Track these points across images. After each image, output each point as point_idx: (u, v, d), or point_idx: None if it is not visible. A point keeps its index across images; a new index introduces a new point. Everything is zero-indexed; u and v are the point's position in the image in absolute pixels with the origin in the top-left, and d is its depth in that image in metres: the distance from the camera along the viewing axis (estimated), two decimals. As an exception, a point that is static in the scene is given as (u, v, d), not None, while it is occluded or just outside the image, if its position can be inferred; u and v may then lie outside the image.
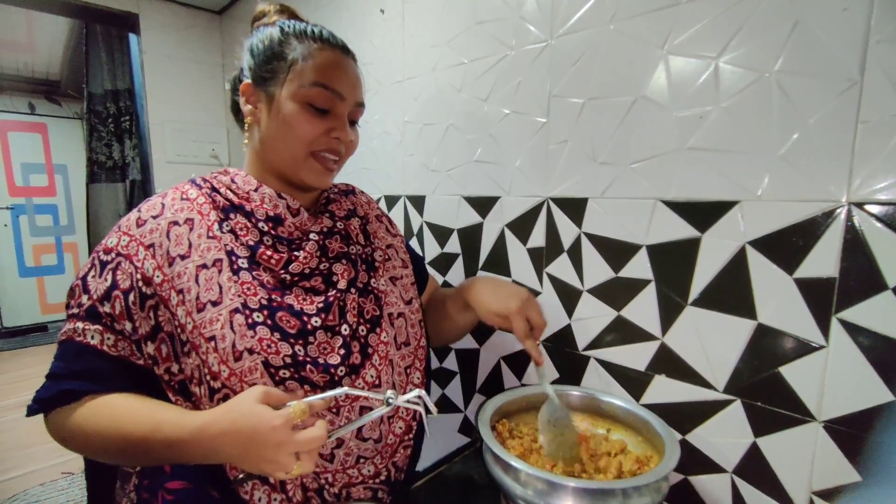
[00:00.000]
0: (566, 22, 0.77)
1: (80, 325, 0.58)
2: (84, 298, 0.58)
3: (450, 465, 0.78)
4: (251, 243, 0.62)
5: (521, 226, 0.88)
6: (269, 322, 0.58)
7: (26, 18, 2.59)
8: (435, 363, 1.11)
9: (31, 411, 0.58)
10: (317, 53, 0.62)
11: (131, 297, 0.58)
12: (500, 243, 0.92)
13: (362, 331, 0.66)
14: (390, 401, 0.54)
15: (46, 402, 0.57)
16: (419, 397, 0.54)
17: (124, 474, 0.66)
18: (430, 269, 1.07)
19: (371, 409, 0.63)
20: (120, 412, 0.55)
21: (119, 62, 2.20)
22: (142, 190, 2.13)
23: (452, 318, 0.80)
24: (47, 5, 1.73)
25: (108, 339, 0.58)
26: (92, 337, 0.57)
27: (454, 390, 1.07)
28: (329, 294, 0.65)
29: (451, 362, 1.08)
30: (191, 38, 1.93)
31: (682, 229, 0.66)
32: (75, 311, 0.59)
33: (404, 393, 0.69)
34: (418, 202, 1.11)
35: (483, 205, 0.95)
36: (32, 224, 3.83)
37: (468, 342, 1.02)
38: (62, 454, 2.07)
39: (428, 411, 0.55)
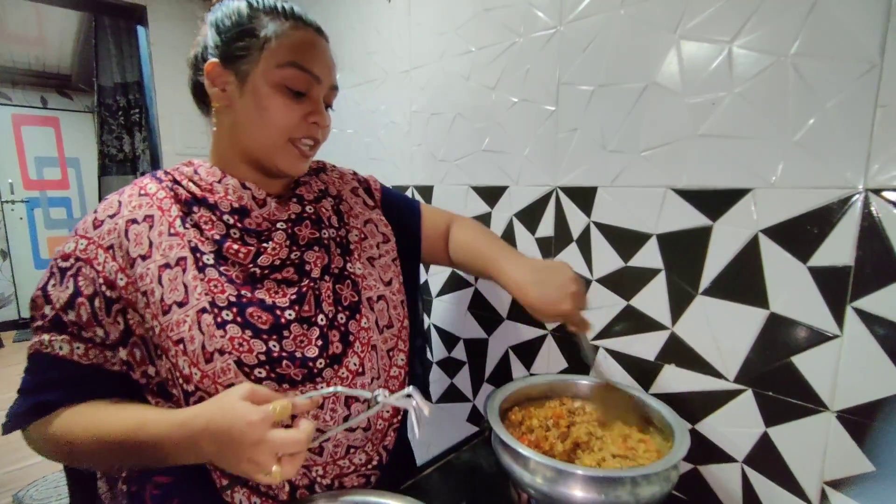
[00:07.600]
0: (576, 7, 0.76)
1: (45, 336, 0.55)
2: (47, 309, 0.55)
3: (458, 453, 0.79)
4: (217, 237, 0.59)
5: (530, 215, 0.88)
6: (238, 319, 0.56)
7: (36, 12, 2.62)
8: (443, 353, 1.11)
9: (6, 429, 0.55)
10: (290, 32, 0.59)
11: (97, 303, 0.55)
12: (509, 233, 0.92)
13: (341, 318, 0.64)
14: (378, 398, 0.51)
15: (21, 417, 0.54)
16: (409, 395, 0.51)
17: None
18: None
19: (357, 399, 0.61)
20: (102, 417, 0.53)
21: (128, 55, 2.21)
22: (152, 182, 2.15)
23: (466, 267, 0.82)
24: (56, -2, 1.75)
25: (78, 347, 0.55)
26: (60, 348, 0.55)
27: (462, 380, 1.08)
28: (302, 284, 0.62)
29: (459, 352, 1.08)
30: (198, 28, 1.93)
31: (693, 218, 0.65)
32: (40, 322, 0.56)
33: (388, 378, 0.67)
34: (426, 192, 1.10)
35: (491, 194, 0.95)
36: (47, 217, 3.90)
37: (476, 332, 1.02)
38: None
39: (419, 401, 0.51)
